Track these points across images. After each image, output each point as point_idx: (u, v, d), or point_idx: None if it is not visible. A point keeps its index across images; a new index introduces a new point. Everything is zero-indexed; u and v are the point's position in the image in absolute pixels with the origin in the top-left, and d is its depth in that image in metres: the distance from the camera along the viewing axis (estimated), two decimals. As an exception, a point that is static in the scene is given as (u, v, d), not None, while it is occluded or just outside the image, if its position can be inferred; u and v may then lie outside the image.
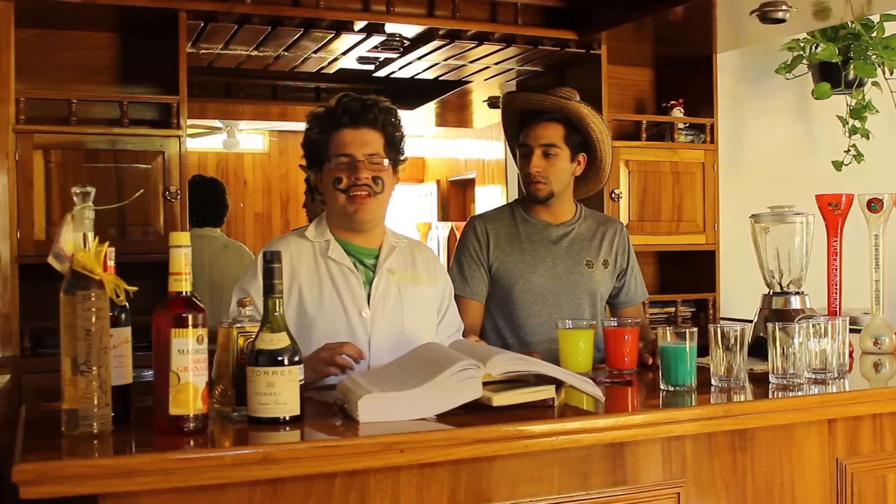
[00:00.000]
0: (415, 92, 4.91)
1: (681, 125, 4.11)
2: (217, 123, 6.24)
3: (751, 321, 2.40)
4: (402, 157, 2.30)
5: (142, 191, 3.16)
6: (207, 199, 4.15)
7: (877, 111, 4.36)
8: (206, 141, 6.59)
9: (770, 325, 1.99)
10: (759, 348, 2.15)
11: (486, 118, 5.93)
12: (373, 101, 2.23)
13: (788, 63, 4.39)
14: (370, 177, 2.18)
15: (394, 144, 2.26)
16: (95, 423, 1.48)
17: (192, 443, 1.48)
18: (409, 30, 3.62)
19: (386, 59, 4.00)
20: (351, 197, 2.18)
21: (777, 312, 2.35)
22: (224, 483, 1.45)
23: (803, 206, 2.44)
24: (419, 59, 3.97)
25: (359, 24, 3.51)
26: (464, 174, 7.58)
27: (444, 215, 7.94)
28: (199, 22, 3.34)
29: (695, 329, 1.97)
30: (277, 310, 1.64)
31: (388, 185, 2.23)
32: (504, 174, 5.59)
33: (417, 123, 6.05)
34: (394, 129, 2.26)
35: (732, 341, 1.94)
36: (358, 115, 2.21)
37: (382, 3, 3.49)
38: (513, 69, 4.20)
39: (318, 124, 2.25)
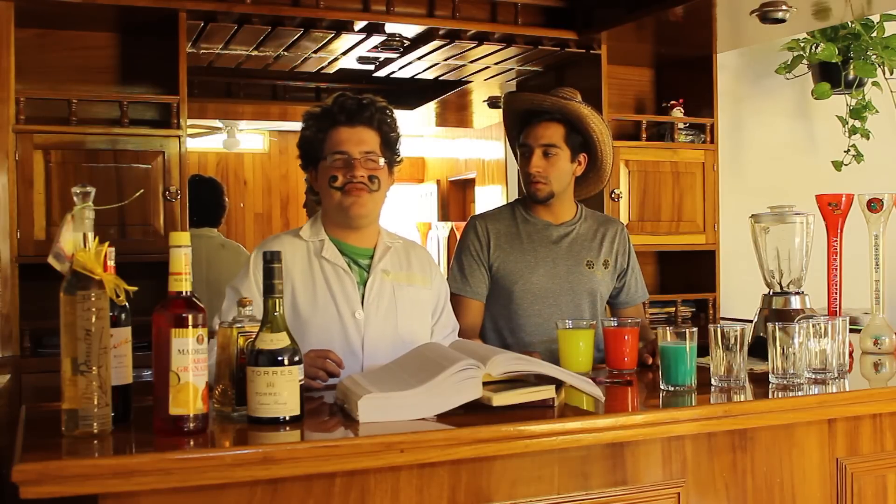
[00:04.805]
0: (415, 92, 4.92)
1: (681, 125, 4.11)
2: (217, 123, 6.24)
3: (751, 321, 2.39)
4: (397, 158, 2.30)
5: (142, 191, 3.16)
6: (205, 200, 4.15)
7: (877, 111, 4.37)
8: (206, 141, 6.59)
9: (770, 325, 1.99)
10: (759, 348, 2.15)
11: (486, 118, 5.93)
12: (369, 101, 2.24)
13: (788, 63, 4.39)
14: (366, 175, 2.18)
15: (389, 144, 2.26)
16: (95, 423, 1.48)
17: (192, 443, 1.48)
18: (409, 30, 3.62)
19: (386, 59, 4.00)
20: (346, 193, 2.18)
21: (777, 312, 2.35)
22: (224, 483, 1.45)
23: (803, 206, 2.44)
24: (419, 59, 3.97)
25: (359, 24, 3.51)
26: (464, 174, 7.58)
27: (444, 215, 7.94)
28: (199, 22, 3.34)
29: (695, 329, 1.97)
30: (277, 310, 1.64)
31: (383, 185, 2.23)
32: (504, 174, 5.59)
33: (417, 123, 6.05)
34: (389, 129, 2.26)
35: (732, 341, 1.94)
36: (354, 113, 2.21)
37: (382, 3, 3.49)
38: (513, 69, 4.20)
39: (314, 123, 2.25)
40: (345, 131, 2.20)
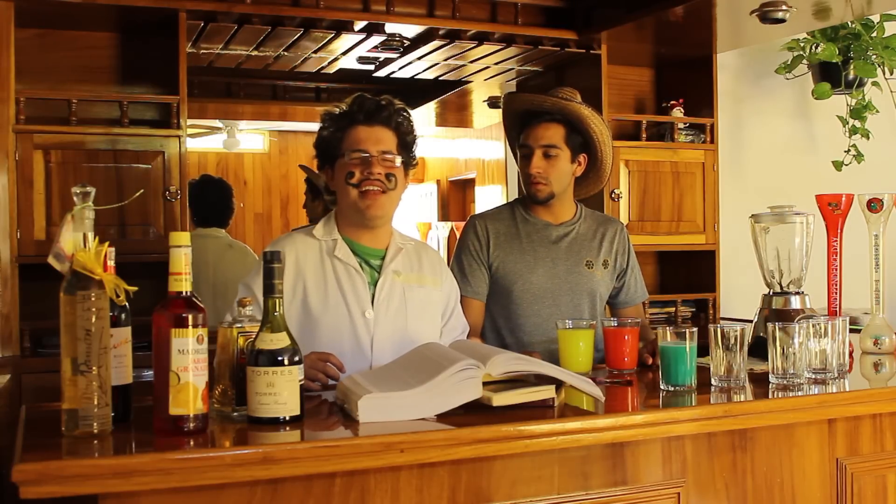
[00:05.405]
0: (415, 92, 4.91)
1: (681, 125, 4.11)
2: (217, 123, 6.24)
3: (751, 321, 2.39)
4: (413, 160, 2.32)
5: (142, 191, 3.16)
6: (214, 200, 4.16)
7: (877, 111, 4.36)
8: (206, 141, 6.59)
9: (770, 325, 1.99)
10: (759, 348, 2.15)
11: (486, 118, 5.93)
12: (387, 101, 2.27)
13: (788, 63, 4.39)
14: (383, 173, 2.20)
15: (406, 145, 2.29)
16: (95, 423, 1.48)
17: (192, 443, 1.48)
18: (409, 30, 3.62)
19: (386, 59, 4.00)
20: (363, 192, 2.20)
21: (777, 312, 2.35)
22: (224, 483, 1.45)
23: (803, 206, 2.44)
24: (419, 59, 3.97)
25: (359, 24, 3.51)
26: (464, 174, 7.58)
27: (444, 215, 7.94)
28: (199, 22, 3.35)
29: (695, 329, 1.97)
30: (277, 310, 1.64)
31: (399, 184, 2.25)
32: (504, 174, 5.59)
33: (417, 123, 6.03)
34: (406, 131, 2.29)
35: (732, 341, 1.94)
36: (373, 112, 2.24)
37: (382, 3, 3.49)
38: (513, 69, 4.20)
39: (332, 122, 2.28)
40: (363, 130, 2.23)
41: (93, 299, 1.48)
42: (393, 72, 4.22)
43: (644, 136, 4.03)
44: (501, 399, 1.67)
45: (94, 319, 1.47)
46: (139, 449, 1.51)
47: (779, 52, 4.40)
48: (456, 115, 5.93)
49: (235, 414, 1.65)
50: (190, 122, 3.44)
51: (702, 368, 1.99)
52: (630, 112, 4.25)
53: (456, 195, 7.96)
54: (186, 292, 1.54)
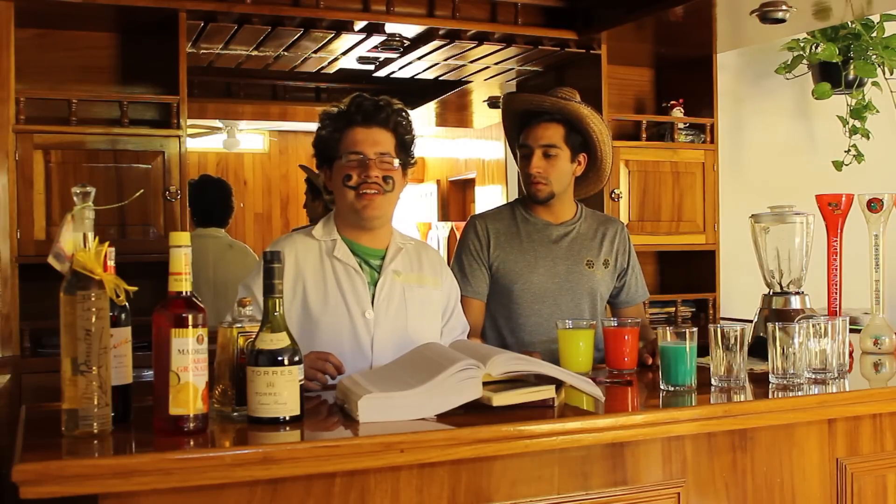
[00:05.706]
0: (415, 92, 4.92)
1: (681, 125, 4.11)
2: (217, 123, 6.24)
3: (751, 321, 2.40)
4: (411, 160, 2.32)
5: (142, 191, 3.16)
6: (214, 200, 4.17)
7: (877, 111, 4.36)
8: (206, 141, 6.59)
9: (770, 325, 1.99)
10: (759, 348, 2.15)
11: (486, 118, 5.93)
12: (385, 102, 2.26)
13: (788, 63, 4.39)
14: (380, 175, 2.20)
15: (404, 146, 2.28)
16: (95, 423, 1.48)
17: (192, 443, 1.49)
18: (409, 30, 3.63)
19: (386, 59, 4.00)
20: (360, 194, 2.19)
21: (777, 312, 2.35)
22: (224, 483, 1.45)
23: (803, 206, 2.44)
24: (419, 59, 3.97)
25: (359, 24, 3.51)
26: (464, 174, 7.58)
27: (444, 215, 7.94)
28: (199, 22, 3.35)
29: (695, 329, 1.97)
30: (277, 310, 1.64)
31: (397, 185, 2.24)
32: (504, 174, 5.59)
33: (417, 123, 6.02)
34: (405, 131, 2.28)
35: (732, 341, 1.94)
36: (371, 113, 2.23)
37: (382, 3, 3.49)
38: (513, 69, 4.20)
39: (330, 122, 2.27)
40: (360, 131, 2.22)
41: (93, 299, 1.48)
42: (393, 72, 4.23)
43: (644, 136, 4.03)
44: (501, 399, 1.67)
45: (94, 319, 1.47)
46: (139, 449, 1.51)
47: (779, 52, 4.40)
48: (456, 115, 5.93)
49: (235, 414, 1.65)
50: (190, 122, 3.44)
51: (702, 368, 1.99)
52: (630, 112, 4.25)
53: (456, 195, 7.96)
54: (186, 292, 1.54)
